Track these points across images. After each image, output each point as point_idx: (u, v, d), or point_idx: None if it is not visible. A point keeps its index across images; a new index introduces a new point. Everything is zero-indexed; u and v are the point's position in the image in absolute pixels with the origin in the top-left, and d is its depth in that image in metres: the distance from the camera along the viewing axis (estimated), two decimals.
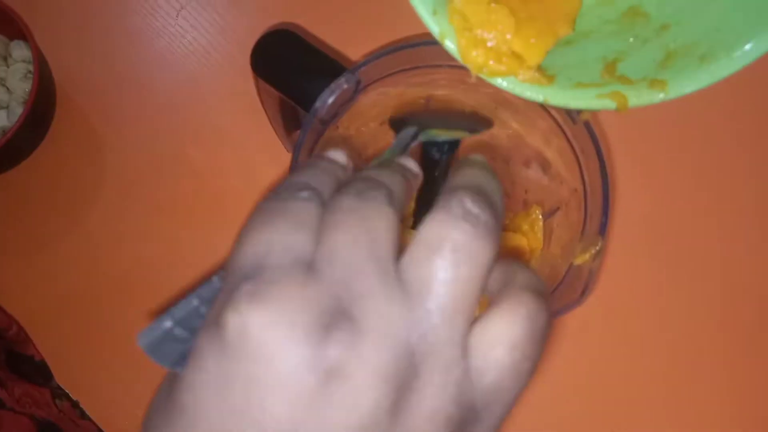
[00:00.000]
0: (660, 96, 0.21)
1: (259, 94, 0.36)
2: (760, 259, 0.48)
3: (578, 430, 0.45)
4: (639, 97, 0.21)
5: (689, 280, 0.47)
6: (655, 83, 0.21)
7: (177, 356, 0.17)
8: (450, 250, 0.16)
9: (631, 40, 0.22)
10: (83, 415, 0.45)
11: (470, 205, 0.17)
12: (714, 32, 0.21)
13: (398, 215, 0.18)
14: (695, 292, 0.47)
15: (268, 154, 0.49)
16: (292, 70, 0.31)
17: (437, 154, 0.29)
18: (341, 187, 0.18)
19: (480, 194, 0.18)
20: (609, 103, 0.22)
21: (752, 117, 0.50)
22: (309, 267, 0.16)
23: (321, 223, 0.17)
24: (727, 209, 0.49)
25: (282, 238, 0.17)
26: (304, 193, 0.18)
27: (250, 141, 0.50)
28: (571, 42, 0.23)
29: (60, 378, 0.46)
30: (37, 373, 0.45)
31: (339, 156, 0.21)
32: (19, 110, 0.46)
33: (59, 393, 0.45)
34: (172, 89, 0.51)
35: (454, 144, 0.28)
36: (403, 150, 0.23)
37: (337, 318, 0.16)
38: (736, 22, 0.20)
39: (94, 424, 0.45)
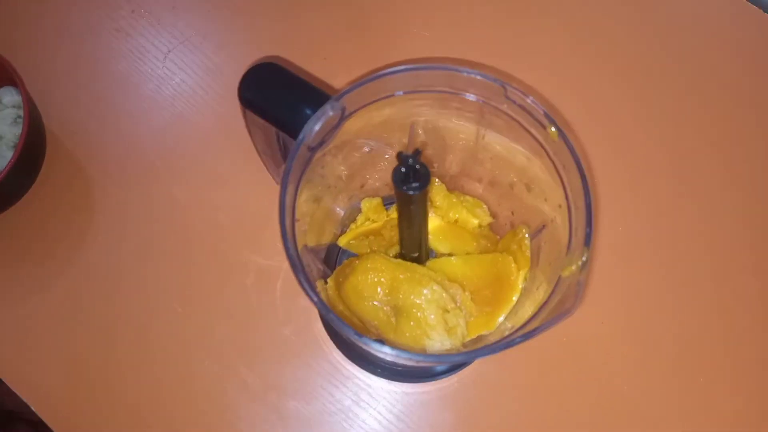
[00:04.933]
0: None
1: (248, 127, 0.37)
2: (747, 263, 0.49)
3: None
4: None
5: (678, 284, 0.48)
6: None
7: None
8: None
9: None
10: None
11: None
12: None
13: None
14: (684, 295, 0.48)
15: (258, 187, 0.50)
16: (279, 99, 0.32)
17: (411, 190, 0.29)
18: None
19: None
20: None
21: (728, 121, 0.52)
22: None
23: None
24: (707, 213, 0.50)
25: None
26: None
27: (239, 178, 0.51)
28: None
29: (50, 422, 0.45)
30: None
31: None
32: (9, 155, 0.46)
33: None
34: (161, 130, 0.52)
35: (424, 181, 0.29)
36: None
37: None
38: None
39: None
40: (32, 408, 0.45)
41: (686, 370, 0.46)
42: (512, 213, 0.40)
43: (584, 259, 0.28)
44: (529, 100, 0.31)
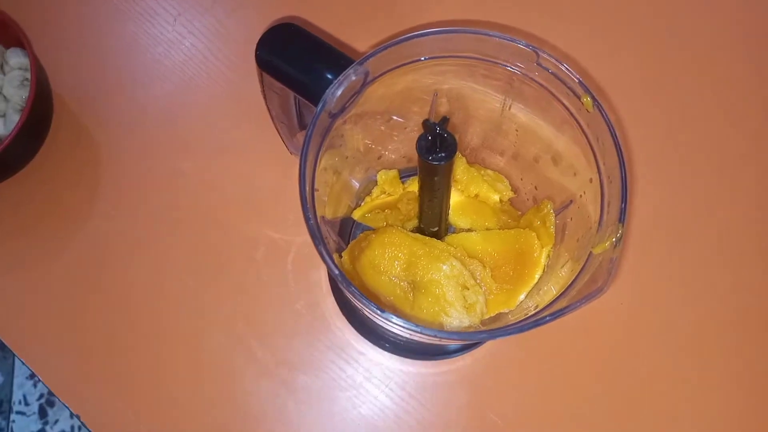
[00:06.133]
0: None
1: (263, 92, 0.35)
2: None
3: (593, 423, 0.44)
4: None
5: (707, 270, 0.47)
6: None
7: None
8: None
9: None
10: None
11: None
12: None
13: None
14: (712, 282, 0.47)
15: (270, 158, 0.48)
16: (299, 63, 0.31)
17: (436, 160, 0.28)
18: None
19: None
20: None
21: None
22: None
23: None
24: (742, 192, 0.49)
25: None
26: None
27: (251, 146, 0.49)
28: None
29: (59, 393, 0.44)
30: None
31: None
32: (15, 118, 0.45)
33: None
34: (170, 96, 0.50)
35: (451, 150, 0.28)
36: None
37: None
38: None
39: None
40: (41, 379, 0.44)
41: (706, 352, 0.45)
42: (535, 188, 0.39)
43: (619, 235, 0.27)
44: (563, 68, 0.29)
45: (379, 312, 0.26)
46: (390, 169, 0.41)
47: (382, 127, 0.38)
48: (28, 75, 0.46)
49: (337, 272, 0.27)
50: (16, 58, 0.46)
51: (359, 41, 0.50)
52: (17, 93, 0.45)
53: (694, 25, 0.53)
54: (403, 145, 0.41)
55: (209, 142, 0.49)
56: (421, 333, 0.27)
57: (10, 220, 0.48)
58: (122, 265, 0.47)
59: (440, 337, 0.27)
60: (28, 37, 0.44)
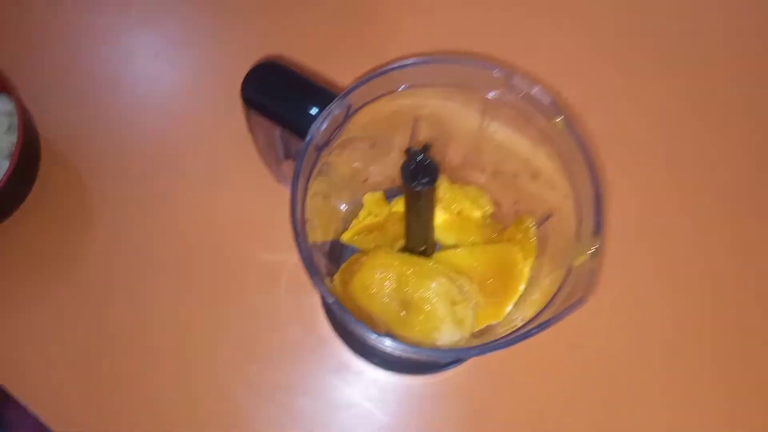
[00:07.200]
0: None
1: (249, 127, 0.36)
2: (749, 257, 0.49)
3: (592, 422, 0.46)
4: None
5: (684, 278, 0.49)
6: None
7: None
8: None
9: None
10: None
11: None
12: None
13: None
14: (688, 289, 0.49)
15: (257, 187, 0.49)
16: (284, 100, 0.32)
17: (420, 186, 0.30)
18: None
19: None
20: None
21: (739, 109, 0.53)
22: None
23: None
24: (714, 204, 0.51)
25: None
26: None
27: (238, 176, 0.50)
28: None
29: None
30: None
31: None
32: (4, 164, 0.46)
33: None
34: (156, 132, 0.51)
35: (433, 176, 0.30)
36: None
37: None
38: None
39: None
40: (42, 419, 0.45)
41: (694, 352, 0.47)
42: (516, 202, 0.41)
43: (596, 247, 0.29)
44: (535, 90, 0.31)
45: (376, 338, 0.28)
46: (375, 190, 0.43)
47: (367, 152, 0.40)
48: (14, 120, 0.46)
49: (331, 301, 0.28)
50: (1, 105, 0.47)
51: (338, 72, 0.51)
52: (4, 139, 0.46)
53: (666, 36, 0.55)
54: (387, 167, 0.42)
55: (197, 175, 0.50)
56: (415, 353, 0.28)
57: (4, 263, 0.48)
58: (117, 301, 0.47)
59: (434, 356, 0.28)
60: (12, 82, 0.45)
